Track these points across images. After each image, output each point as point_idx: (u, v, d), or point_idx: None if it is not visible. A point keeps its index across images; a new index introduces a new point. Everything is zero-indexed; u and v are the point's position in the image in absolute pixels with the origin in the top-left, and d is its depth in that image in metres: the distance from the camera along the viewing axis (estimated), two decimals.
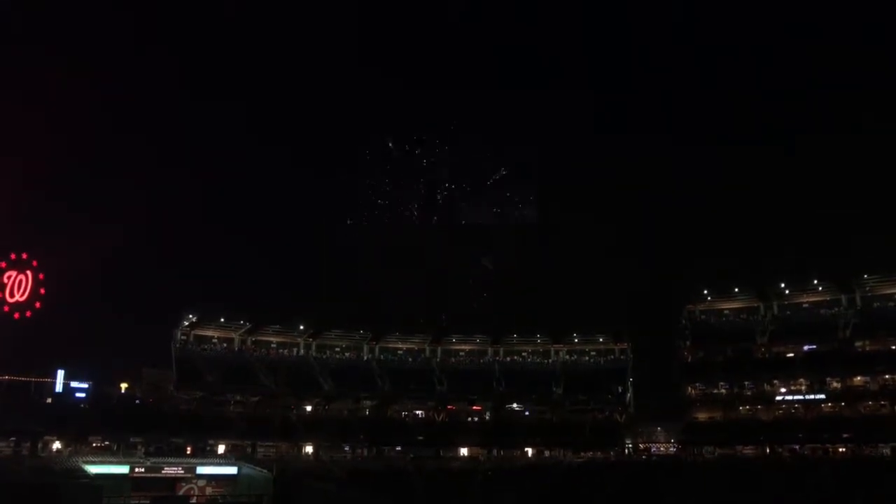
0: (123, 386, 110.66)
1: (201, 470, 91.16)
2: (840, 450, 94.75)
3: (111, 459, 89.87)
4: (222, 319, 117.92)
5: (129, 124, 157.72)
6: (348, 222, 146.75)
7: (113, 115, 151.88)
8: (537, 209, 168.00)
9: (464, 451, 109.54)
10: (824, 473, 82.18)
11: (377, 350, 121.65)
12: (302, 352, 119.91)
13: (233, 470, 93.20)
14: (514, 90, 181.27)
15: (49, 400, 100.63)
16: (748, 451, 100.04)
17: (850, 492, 74.88)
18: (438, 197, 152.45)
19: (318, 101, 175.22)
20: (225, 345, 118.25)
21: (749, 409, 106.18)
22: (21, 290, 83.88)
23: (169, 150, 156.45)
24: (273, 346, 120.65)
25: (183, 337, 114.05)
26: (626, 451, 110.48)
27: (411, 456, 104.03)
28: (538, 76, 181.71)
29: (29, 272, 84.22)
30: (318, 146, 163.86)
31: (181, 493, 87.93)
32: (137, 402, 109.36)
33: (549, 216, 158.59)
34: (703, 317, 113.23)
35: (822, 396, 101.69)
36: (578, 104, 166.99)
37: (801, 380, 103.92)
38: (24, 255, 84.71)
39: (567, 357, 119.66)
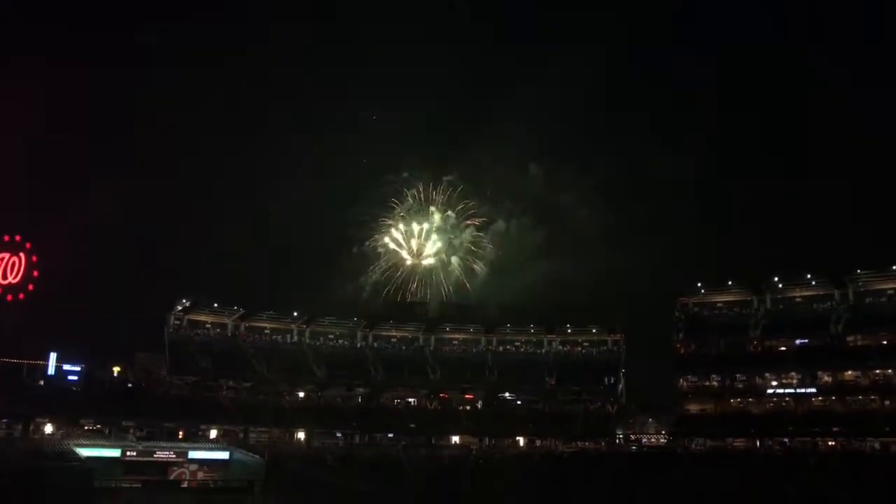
0: (116, 369, 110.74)
1: (193, 454, 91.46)
2: (830, 443, 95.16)
3: (103, 443, 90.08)
4: (216, 305, 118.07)
5: (124, 106, 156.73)
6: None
7: (108, 96, 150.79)
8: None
9: (455, 440, 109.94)
10: (813, 466, 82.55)
11: (371, 338, 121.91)
12: (295, 338, 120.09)
13: (225, 455, 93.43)
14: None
15: (41, 382, 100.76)
16: (739, 443, 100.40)
17: (838, 484, 75.20)
18: None
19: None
20: (218, 330, 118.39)
21: (740, 402, 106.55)
22: (14, 273, 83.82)
23: (165, 131, 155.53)
24: (266, 332, 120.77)
25: (176, 322, 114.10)
26: (618, 441, 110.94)
27: (403, 443, 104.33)
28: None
29: (22, 254, 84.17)
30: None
31: (173, 477, 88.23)
32: (130, 385, 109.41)
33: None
34: (696, 309, 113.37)
35: (813, 390, 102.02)
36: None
37: (793, 373, 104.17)
38: (18, 238, 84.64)
39: (560, 347, 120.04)
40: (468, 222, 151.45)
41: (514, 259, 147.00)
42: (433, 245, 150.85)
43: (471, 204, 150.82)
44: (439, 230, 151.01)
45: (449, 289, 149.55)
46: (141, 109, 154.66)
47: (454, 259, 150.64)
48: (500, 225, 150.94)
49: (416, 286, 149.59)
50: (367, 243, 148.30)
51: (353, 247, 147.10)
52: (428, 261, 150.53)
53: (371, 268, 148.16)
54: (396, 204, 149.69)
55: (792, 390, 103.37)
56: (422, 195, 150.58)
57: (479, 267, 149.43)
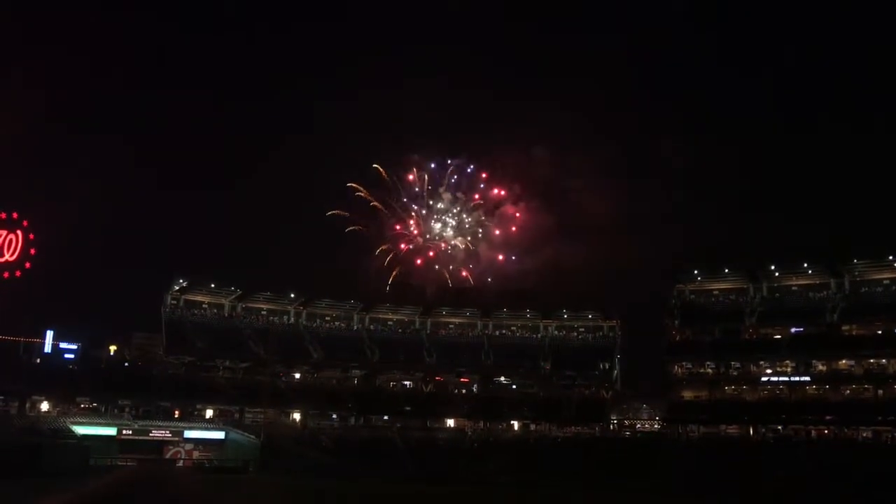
0: (112, 348, 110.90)
1: (189, 434, 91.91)
2: (823, 431, 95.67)
3: (99, 421, 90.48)
4: (213, 285, 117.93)
5: (121, 83, 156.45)
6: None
7: (107, 74, 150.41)
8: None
9: (450, 423, 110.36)
10: (805, 454, 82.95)
11: (367, 320, 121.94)
12: (292, 320, 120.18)
13: (220, 435, 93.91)
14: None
15: (38, 360, 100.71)
16: (732, 430, 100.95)
17: (828, 472, 75.70)
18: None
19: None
20: (215, 311, 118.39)
21: (734, 390, 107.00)
22: (11, 250, 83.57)
23: (161, 111, 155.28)
24: (263, 313, 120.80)
25: (173, 301, 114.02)
26: (612, 427, 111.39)
27: (398, 426, 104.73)
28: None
29: (19, 232, 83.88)
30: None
31: (168, 456, 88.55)
32: (126, 364, 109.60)
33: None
34: (692, 296, 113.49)
35: (808, 379, 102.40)
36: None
37: (787, 362, 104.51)
38: (15, 215, 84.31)
39: (556, 332, 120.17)
40: (475, 205, 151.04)
41: (518, 243, 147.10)
42: (437, 227, 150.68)
43: (479, 187, 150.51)
44: (445, 212, 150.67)
45: (450, 272, 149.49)
46: (140, 87, 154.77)
47: (458, 242, 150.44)
48: (506, 208, 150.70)
49: (417, 269, 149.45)
50: (369, 225, 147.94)
51: (353, 228, 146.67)
52: (431, 243, 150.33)
53: (373, 250, 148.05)
54: (402, 185, 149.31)
55: (786, 378, 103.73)
56: (427, 177, 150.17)
57: (483, 251, 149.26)
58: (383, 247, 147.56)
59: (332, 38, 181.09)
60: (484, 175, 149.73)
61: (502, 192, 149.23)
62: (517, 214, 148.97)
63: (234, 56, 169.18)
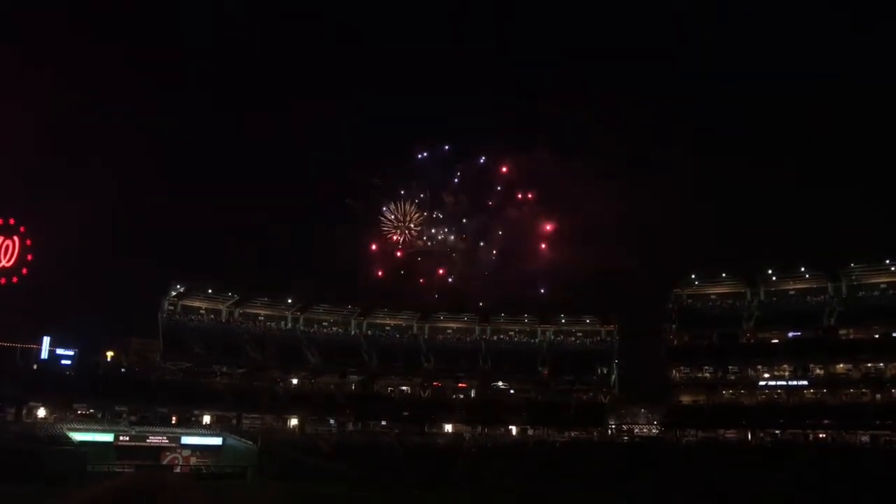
0: (109, 354, 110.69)
1: (186, 440, 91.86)
2: (820, 436, 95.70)
3: (96, 427, 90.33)
4: (210, 291, 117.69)
5: (120, 88, 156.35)
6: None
7: (104, 78, 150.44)
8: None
9: (449, 428, 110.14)
10: (803, 458, 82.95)
11: (365, 325, 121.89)
12: (290, 325, 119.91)
13: (218, 441, 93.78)
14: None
15: (34, 366, 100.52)
16: (730, 434, 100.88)
17: (827, 476, 75.72)
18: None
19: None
20: (212, 316, 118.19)
21: (732, 394, 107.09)
22: (8, 256, 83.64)
23: (159, 115, 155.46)
24: (261, 318, 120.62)
25: (170, 307, 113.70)
26: (610, 431, 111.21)
27: (396, 431, 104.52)
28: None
29: (16, 238, 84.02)
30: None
31: (165, 462, 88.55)
32: (123, 370, 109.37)
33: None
34: (690, 301, 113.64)
35: (805, 383, 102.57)
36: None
37: (785, 366, 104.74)
38: (12, 221, 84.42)
39: (553, 337, 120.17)
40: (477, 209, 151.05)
41: (519, 247, 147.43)
42: (438, 231, 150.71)
43: (482, 190, 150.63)
44: (447, 217, 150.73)
45: (450, 276, 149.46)
46: (138, 90, 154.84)
47: (460, 246, 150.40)
48: (510, 212, 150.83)
49: (417, 273, 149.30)
50: (369, 233, 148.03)
51: (353, 232, 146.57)
52: (431, 247, 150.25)
53: (371, 256, 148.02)
54: (403, 189, 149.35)
55: (784, 382, 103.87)
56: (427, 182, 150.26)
57: (484, 254, 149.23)
58: (379, 264, 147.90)
59: (332, 39, 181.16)
60: (504, 169, 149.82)
61: (528, 197, 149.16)
62: (520, 214, 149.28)
63: (233, 60, 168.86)
